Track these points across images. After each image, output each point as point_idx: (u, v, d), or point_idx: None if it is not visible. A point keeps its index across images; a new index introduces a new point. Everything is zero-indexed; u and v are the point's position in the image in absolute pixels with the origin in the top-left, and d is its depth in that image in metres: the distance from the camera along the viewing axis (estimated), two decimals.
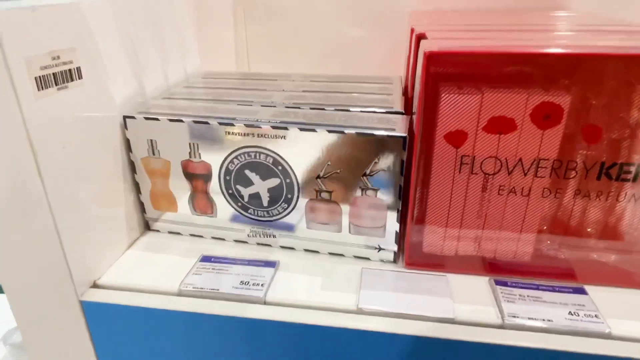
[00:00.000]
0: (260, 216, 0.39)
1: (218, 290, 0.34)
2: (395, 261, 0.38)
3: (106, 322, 0.34)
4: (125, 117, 0.37)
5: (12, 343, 0.58)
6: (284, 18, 0.66)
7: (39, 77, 0.29)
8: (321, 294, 0.34)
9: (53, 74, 0.30)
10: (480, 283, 0.35)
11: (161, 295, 0.34)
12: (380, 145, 0.33)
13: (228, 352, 0.34)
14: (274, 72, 0.69)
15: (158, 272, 0.37)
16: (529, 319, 0.31)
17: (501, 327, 0.31)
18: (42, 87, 0.29)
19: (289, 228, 0.39)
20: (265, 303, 0.33)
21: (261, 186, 0.37)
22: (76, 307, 0.34)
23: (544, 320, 0.31)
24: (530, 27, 0.42)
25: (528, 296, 0.33)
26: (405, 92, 0.45)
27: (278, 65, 0.70)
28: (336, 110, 0.39)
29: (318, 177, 0.35)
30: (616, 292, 0.34)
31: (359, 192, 0.35)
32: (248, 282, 0.35)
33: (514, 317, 0.31)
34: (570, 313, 0.31)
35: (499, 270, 0.36)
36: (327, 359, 0.32)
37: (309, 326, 0.32)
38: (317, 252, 0.39)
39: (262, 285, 0.34)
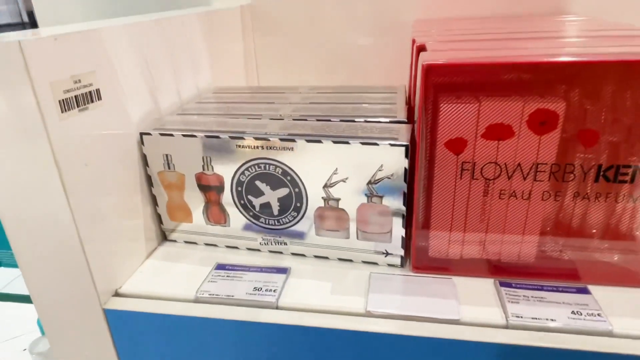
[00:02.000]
0: (272, 225, 0.40)
1: (233, 296, 0.36)
2: (402, 265, 0.39)
3: (128, 328, 0.36)
4: (141, 134, 0.39)
5: (38, 352, 0.60)
6: (291, 30, 0.68)
7: (62, 100, 0.31)
8: (331, 298, 0.35)
9: (75, 96, 0.32)
10: (486, 285, 0.36)
11: (179, 302, 0.36)
12: (384, 154, 0.35)
13: (243, 356, 0.36)
14: (283, 83, 0.71)
15: (176, 280, 0.38)
16: (533, 318, 0.32)
17: (505, 327, 0.32)
18: (65, 109, 0.32)
19: (299, 235, 0.40)
20: (277, 308, 0.35)
21: (271, 196, 0.39)
22: (100, 315, 0.36)
23: (547, 319, 0.32)
24: (531, 34, 0.44)
25: (532, 297, 0.34)
26: (408, 101, 0.47)
27: (287, 75, 0.72)
28: (341, 121, 0.40)
29: (325, 185, 0.37)
30: (619, 291, 0.35)
31: (365, 199, 0.37)
32: (261, 289, 0.36)
33: (518, 317, 0.32)
34: (573, 312, 0.32)
35: (504, 272, 0.37)
36: (334, 354, 0.34)
37: (320, 329, 0.33)
38: (326, 257, 0.40)
39: (274, 291, 0.36)
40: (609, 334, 0.31)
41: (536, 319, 0.32)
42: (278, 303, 0.35)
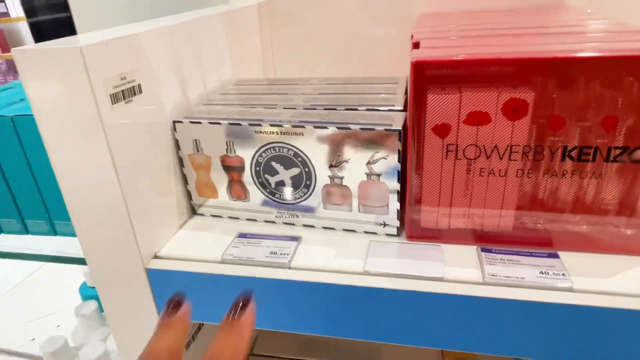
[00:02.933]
0: (285, 199, 0.47)
1: (253, 258, 0.42)
2: (398, 235, 0.45)
3: (165, 285, 0.43)
4: (174, 122, 0.46)
5: (82, 314, 0.68)
6: (305, 23, 0.74)
7: (112, 94, 0.38)
8: (336, 261, 0.42)
9: (122, 91, 0.39)
10: (469, 251, 0.42)
11: (208, 263, 0.43)
12: (380, 138, 0.40)
13: (261, 308, 0.42)
14: (298, 73, 0.77)
15: (204, 246, 0.45)
16: (506, 277, 0.38)
17: (482, 284, 0.38)
18: (115, 102, 0.38)
19: (309, 210, 0.46)
20: (290, 268, 0.41)
21: (285, 175, 0.45)
22: (143, 274, 0.43)
23: (517, 278, 0.37)
24: (524, 29, 0.48)
25: (508, 260, 0.40)
26: (406, 91, 0.52)
27: (302, 66, 0.77)
28: (346, 109, 0.46)
29: (331, 165, 0.43)
30: (585, 256, 0.40)
31: (365, 177, 0.43)
32: (276, 252, 0.43)
33: (493, 275, 0.38)
34: (541, 272, 0.38)
35: (486, 240, 0.42)
36: (339, 312, 0.40)
37: (325, 284, 0.39)
38: (333, 228, 0.47)
39: (287, 254, 0.42)
40: (570, 290, 0.36)
41: (509, 277, 0.38)
42: (290, 264, 0.42)
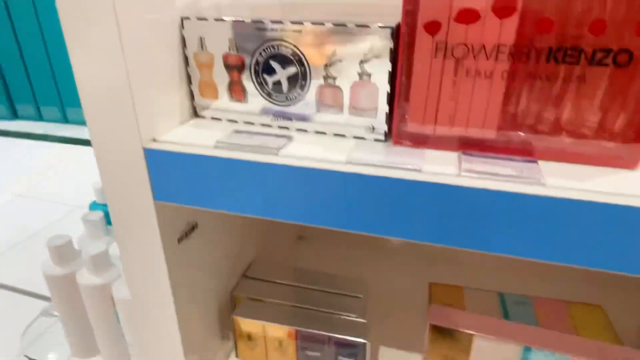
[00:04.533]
0: (281, 101, 0.49)
1: (245, 145, 0.45)
2: (386, 140, 0.46)
3: (161, 165, 0.46)
4: (182, 18, 0.48)
5: (88, 220, 0.72)
6: None
7: None
8: (322, 154, 0.43)
9: None
10: (452, 155, 0.43)
11: (201, 147, 0.45)
12: (374, 35, 0.42)
13: (248, 193, 0.45)
14: None
15: (202, 136, 0.48)
16: (480, 172, 0.39)
17: (457, 175, 0.39)
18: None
19: (303, 115, 0.48)
20: (277, 155, 0.43)
21: (282, 74, 0.47)
22: (140, 154, 0.46)
23: (491, 173, 0.39)
24: None
25: (485, 162, 0.41)
26: None
27: None
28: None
29: (325, 65, 0.45)
30: (564, 165, 0.41)
31: (357, 77, 0.44)
32: (267, 144, 0.45)
33: (469, 171, 0.39)
34: (516, 171, 0.39)
35: (469, 146, 0.44)
36: (322, 199, 0.42)
37: (307, 169, 0.41)
38: (324, 133, 0.49)
39: (277, 147, 0.45)
40: (542, 184, 0.37)
41: (483, 172, 0.39)
42: (278, 152, 0.44)
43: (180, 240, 0.55)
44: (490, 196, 0.38)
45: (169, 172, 0.46)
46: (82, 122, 0.55)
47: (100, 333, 0.71)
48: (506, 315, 0.68)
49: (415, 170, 0.40)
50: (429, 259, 0.94)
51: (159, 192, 0.48)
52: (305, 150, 0.45)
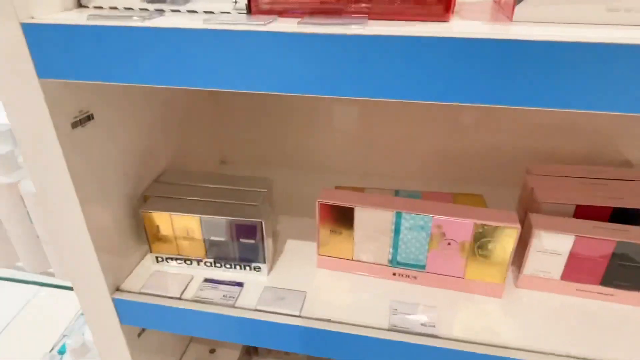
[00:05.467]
0: None
1: (116, 15, 0.49)
2: (248, 13, 0.52)
3: (41, 41, 0.50)
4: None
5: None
6: None
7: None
8: (187, 23, 0.49)
9: None
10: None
11: (76, 20, 0.50)
12: None
13: (122, 55, 0.50)
14: None
15: (79, 15, 0.52)
16: (317, 23, 0.46)
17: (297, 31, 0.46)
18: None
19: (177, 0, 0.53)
20: (145, 23, 0.49)
21: None
22: (18, 29, 0.50)
23: (330, 24, 0.46)
24: None
25: (322, 23, 0.48)
26: None
27: None
28: None
29: None
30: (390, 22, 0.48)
31: None
32: (138, 14, 0.50)
33: (306, 23, 0.46)
34: (346, 20, 0.46)
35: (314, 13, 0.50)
36: (184, 55, 0.48)
37: (173, 29, 0.47)
38: (195, 11, 0.54)
39: (149, 17, 0.50)
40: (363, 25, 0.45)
41: (321, 24, 0.46)
42: (147, 22, 0.49)
43: (74, 126, 0.59)
44: (329, 40, 0.45)
45: (48, 47, 0.50)
46: None
47: (15, 238, 0.74)
48: None
49: (261, 24, 0.46)
50: (340, 175, 1.03)
51: (42, 70, 0.52)
52: (176, 21, 0.50)
